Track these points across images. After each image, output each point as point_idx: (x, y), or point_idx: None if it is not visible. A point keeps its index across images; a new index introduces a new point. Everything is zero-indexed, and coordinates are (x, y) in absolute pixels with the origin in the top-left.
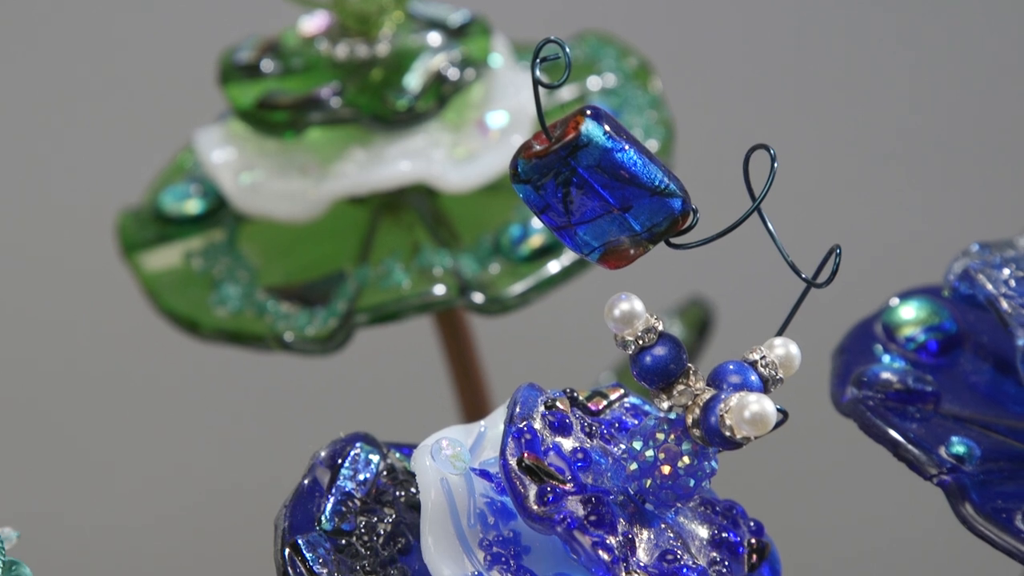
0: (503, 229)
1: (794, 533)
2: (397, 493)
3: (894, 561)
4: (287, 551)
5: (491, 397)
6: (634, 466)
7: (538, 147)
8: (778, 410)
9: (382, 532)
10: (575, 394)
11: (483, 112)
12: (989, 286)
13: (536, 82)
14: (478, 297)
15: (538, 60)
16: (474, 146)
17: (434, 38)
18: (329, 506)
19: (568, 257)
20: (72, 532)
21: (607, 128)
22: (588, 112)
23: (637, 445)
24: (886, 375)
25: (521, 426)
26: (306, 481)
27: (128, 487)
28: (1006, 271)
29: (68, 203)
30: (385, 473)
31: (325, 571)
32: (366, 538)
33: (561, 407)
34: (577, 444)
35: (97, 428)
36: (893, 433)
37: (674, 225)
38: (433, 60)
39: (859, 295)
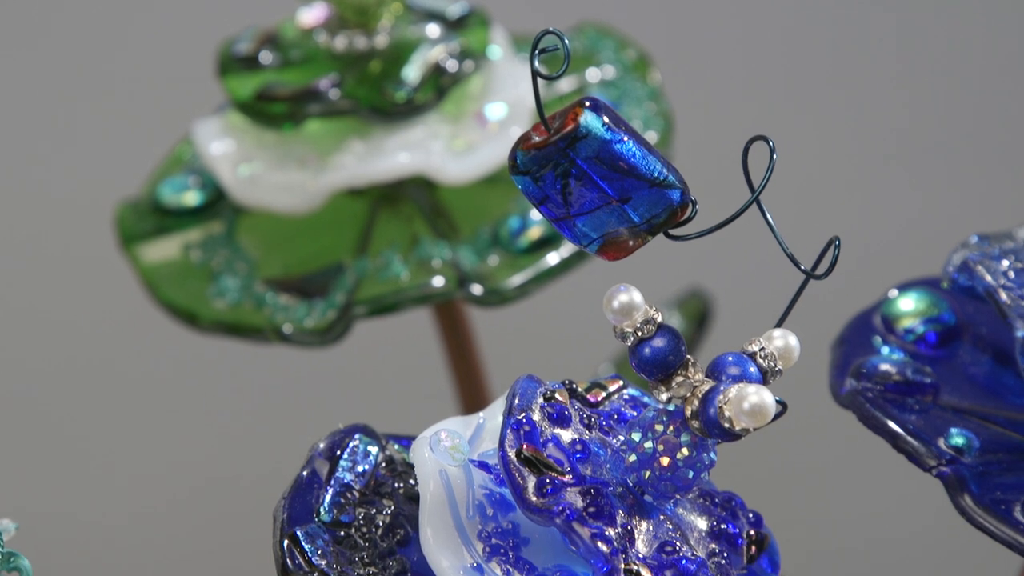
0: (502, 221)
1: (793, 524)
2: (396, 485)
3: (893, 552)
4: (286, 542)
5: (490, 389)
6: (633, 458)
7: (537, 139)
8: (777, 402)
9: (381, 524)
10: (574, 386)
11: (482, 104)
12: (988, 277)
13: (535, 74)
14: (477, 289)
15: (537, 52)
16: (473, 138)
17: (433, 30)
18: (328, 498)
19: (567, 249)
20: (69, 523)
21: (606, 119)
22: (587, 103)
23: (636, 437)
24: (885, 367)
25: (520, 418)
26: (305, 473)
27: (126, 478)
28: (1005, 263)
29: (66, 195)
30: (384, 465)
31: (324, 562)
32: (365, 530)
33: (560, 399)
34: (576, 436)
35: (95, 419)
36: (892, 425)
37: (673, 216)
38: (432, 52)
39: (858, 287)
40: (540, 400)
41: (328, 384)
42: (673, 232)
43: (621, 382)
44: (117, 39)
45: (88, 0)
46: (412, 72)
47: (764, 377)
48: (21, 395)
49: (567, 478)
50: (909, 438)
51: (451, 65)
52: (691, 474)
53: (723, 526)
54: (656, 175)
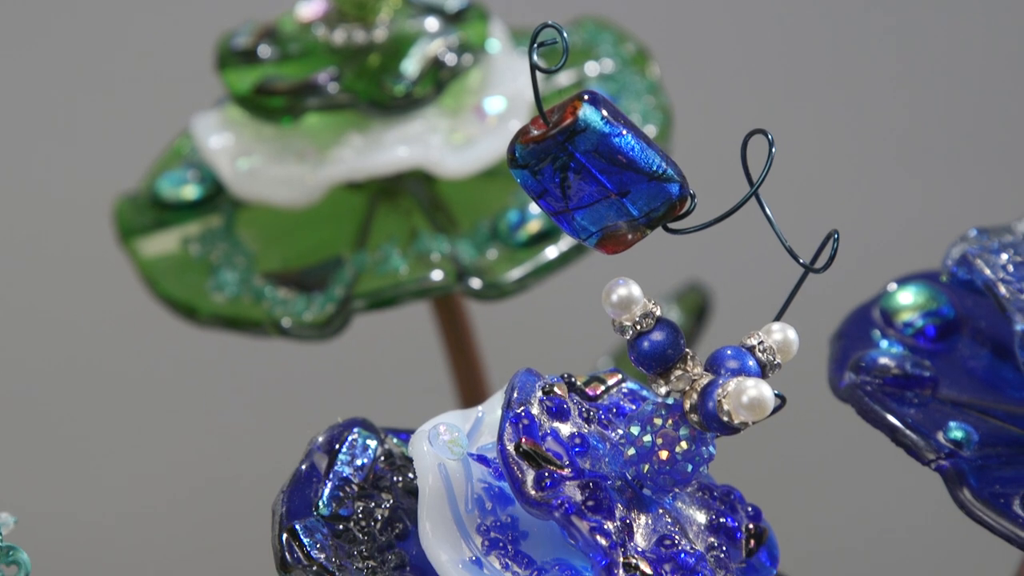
0: (501, 214)
1: (792, 518)
2: (395, 478)
3: (892, 546)
4: (285, 536)
5: (489, 382)
6: (632, 451)
7: (536, 132)
8: (776, 395)
9: (380, 517)
10: (573, 379)
11: (481, 97)
12: (987, 271)
13: (534, 67)
14: (476, 283)
15: (536, 45)
16: (472, 131)
17: (431, 23)
18: (327, 491)
19: (566, 242)
20: (68, 518)
21: (605, 113)
22: (586, 97)
23: (635, 430)
24: (884, 360)
25: (519, 411)
26: (304, 466)
27: (125, 473)
28: (1004, 256)
29: (65, 189)
30: (383, 458)
31: (323, 556)
32: (364, 523)
33: (559, 392)
34: (575, 429)
35: (94, 414)
36: (891, 418)
37: (672, 210)
38: (430, 46)
39: (857, 280)
40: (539, 394)
41: (327, 378)
42: (672, 226)
43: (620, 376)
44: (116, 33)
45: None
46: (411, 66)
47: (763, 371)
48: (20, 390)
49: (566, 472)
50: (908, 432)
51: (450, 59)
52: (690, 468)
53: (722, 520)
54: (655, 169)
